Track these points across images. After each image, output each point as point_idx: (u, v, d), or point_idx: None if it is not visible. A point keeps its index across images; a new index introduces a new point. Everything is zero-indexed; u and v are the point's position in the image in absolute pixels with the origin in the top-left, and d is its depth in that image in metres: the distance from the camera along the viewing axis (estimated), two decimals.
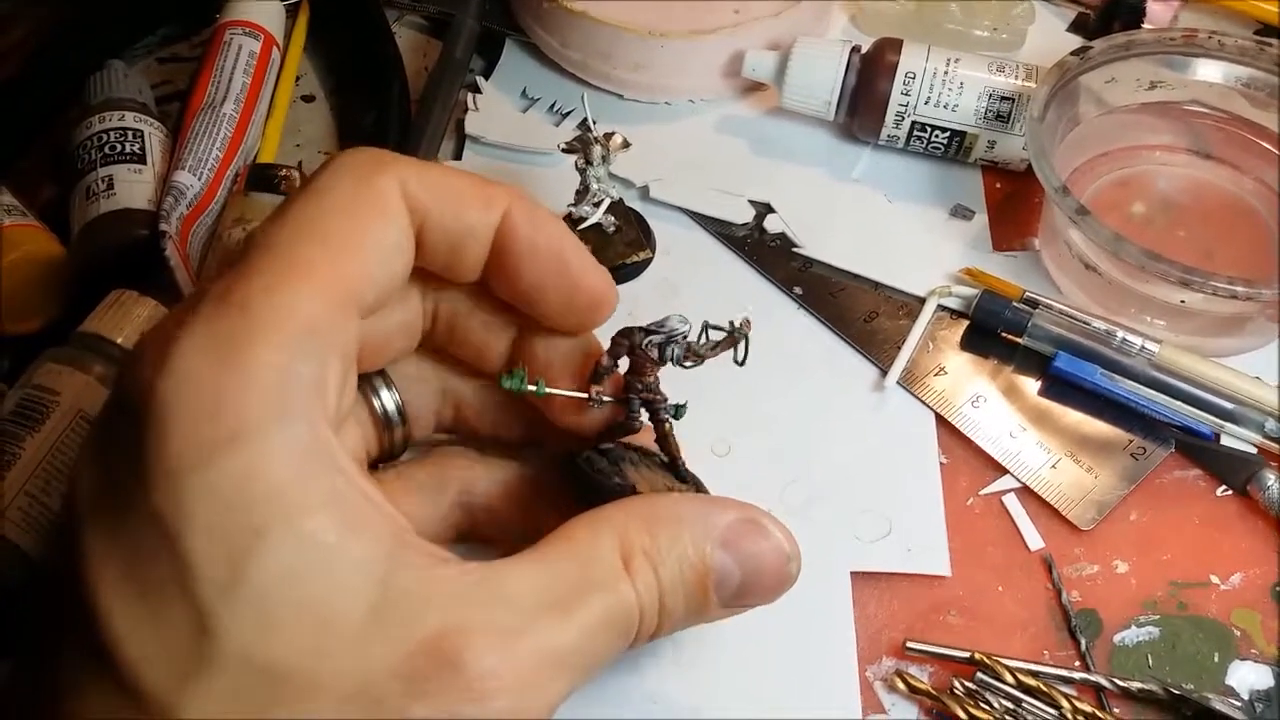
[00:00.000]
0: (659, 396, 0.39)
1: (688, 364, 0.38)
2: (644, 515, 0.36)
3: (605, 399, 0.39)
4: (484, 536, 0.44)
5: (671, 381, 0.39)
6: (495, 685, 0.30)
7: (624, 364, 0.39)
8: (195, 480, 0.29)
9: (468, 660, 0.30)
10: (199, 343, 0.31)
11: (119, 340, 0.50)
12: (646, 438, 0.41)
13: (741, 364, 0.38)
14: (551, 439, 0.43)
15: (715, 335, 0.38)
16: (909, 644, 0.45)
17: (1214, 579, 0.48)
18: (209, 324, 0.31)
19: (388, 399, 0.41)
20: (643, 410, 0.39)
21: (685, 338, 0.38)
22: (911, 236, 0.59)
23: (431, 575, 0.31)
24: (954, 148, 0.60)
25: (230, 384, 0.30)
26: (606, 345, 0.40)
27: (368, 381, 0.40)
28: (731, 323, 0.38)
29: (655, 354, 0.38)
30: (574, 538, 0.34)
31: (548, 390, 0.39)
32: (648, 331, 0.38)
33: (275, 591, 0.29)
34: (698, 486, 0.41)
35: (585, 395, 0.39)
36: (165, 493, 0.29)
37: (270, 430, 0.30)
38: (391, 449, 0.42)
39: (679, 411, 0.40)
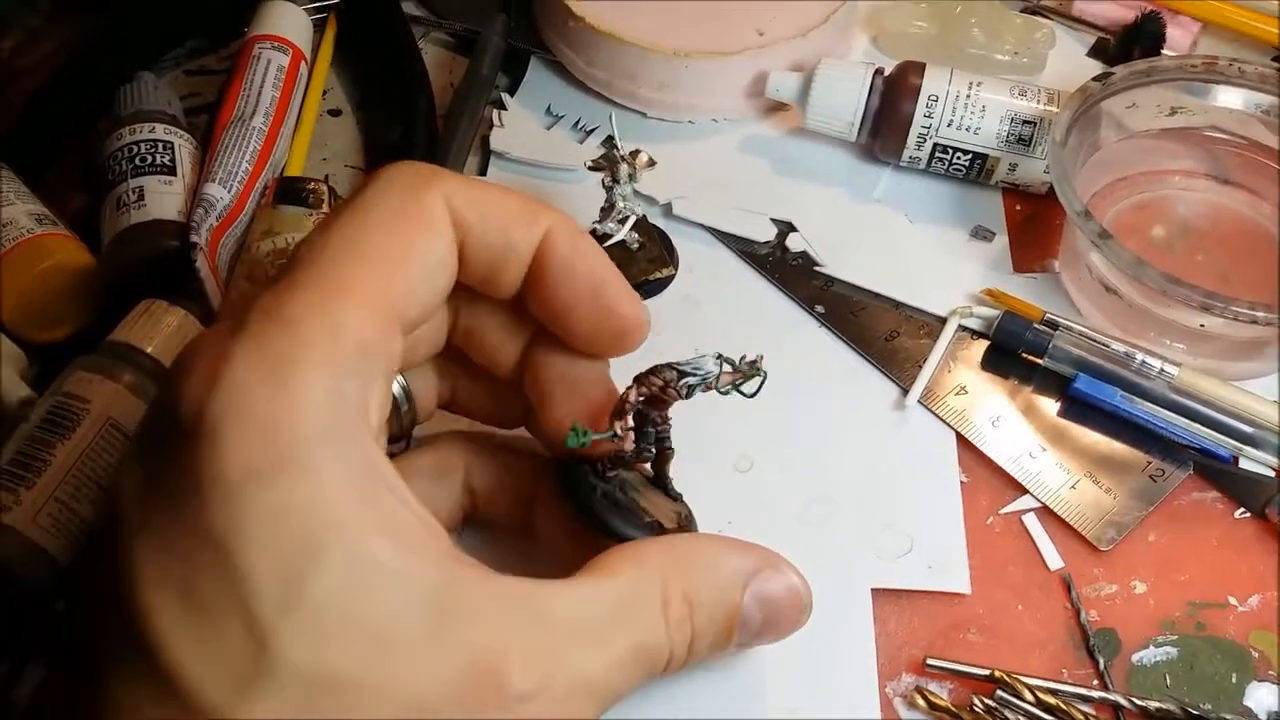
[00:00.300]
0: (668, 427, 0.40)
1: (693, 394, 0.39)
2: (683, 558, 0.37)
3: (627, 433, 0.39)
4: (486, 521, 0.45)
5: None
6: (530, 708, 0.31)
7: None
8: (250, 500, 0.29)
9: (509, 680, 0.31)
10: (250, 360, 0.31)
11: (149, 349, 0.51)
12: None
13: (751, 396, 0.39)
14: (541, 435, 0.43)
15: (727, 368, 0.39)
16: (929, 661, 0.45)
17: (1232, 600, 0.48)
18: (258, 341, 0.31)
19: (395, 382, 0.41)
20: (653, 447, 0.40)
21: (717, 379, 0.39)
22: (932, 257, 0.59)
23: (482, 592, 0.32)
24: (975, 170, 0.61)
25: (283, 405, 0.30)
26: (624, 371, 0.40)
27: None
28: (744, 357, 0.39)
29: (685, 393, 0.38)
30: (618, 573, 0.35)
31: (592, 440, 0.39)
32: (681, 374, 0.38)
33: (332, 608, 0.29)
34: (686, 506, 0.43)
35: (612, 433, 0.39)
36: (220, 511, 0.29)
37: (323, 452, 0.30)
38: (400, 431, 0.43)
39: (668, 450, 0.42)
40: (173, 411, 0.31)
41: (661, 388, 0.38)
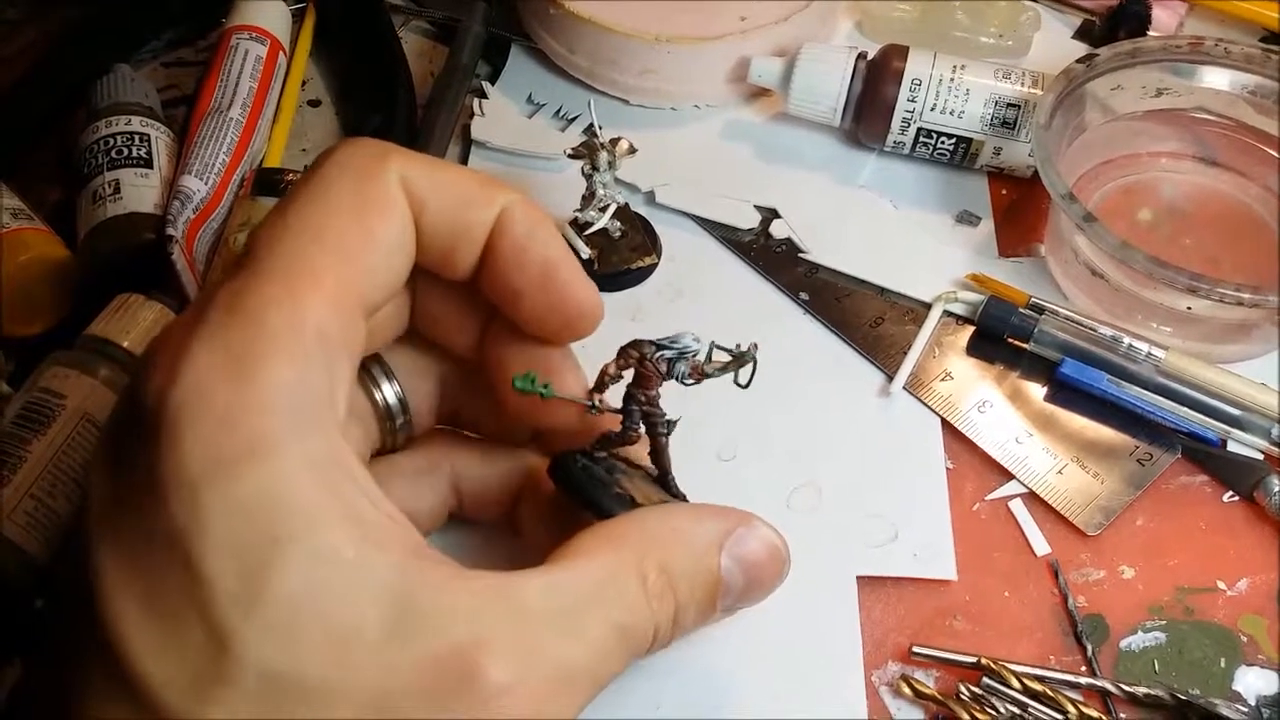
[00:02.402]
0: (658, 410, 0.39)
1: (689, 381, 0.39)
2: (657, 531, 0.36)
3: (607, 408, 0.39)
4: (471, 518, 0.45)
5: (677, 388, 0.39)
6: (510, 701, 0.30)
7: (628, 374, 0.39)
8: (210, 495, 0.29)
9: (485, 674, 0.30)
10: (210, 354, 0.30)
11: (125, 344, 0.50)
12: (642, 453, 0.41)
13: (745, 386, 0.38)
14: (547, 441, 0.43)
15: (721, 356, 0.38)
16: (915, 649, 0.45)
17: (1220, 585, 0.47)
18: (219, 334, 0.31)
19: (389, 391, 0.41)
20: (641, 423, 0.40)
21: (695, 355, 0.38)
22: (917, 242, 0.59)
23: (449, 588, 0.31)
24: (960, 154, 0.60)
25: (244, 398, 0.30)
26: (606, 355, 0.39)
27: (368, 374, 0.40)
28: (739, 345, 0.38)
29: (664, 368, 0.38)
30: (591, 554, 0.35)
31: (555, 394, 0.39)
32: (659, 346, 0.38)
33: (293, 606, 0.29)
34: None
35: (589, 402, 0.40)
36: (180, 507, 0.29)
37: (286, 445, 0.30)
38: (394, 443, 0.42)
39: (671, 427, 0.40)
40: (136, 406, 0.31)
41: (639, 360, 0.38)
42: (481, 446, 0.44)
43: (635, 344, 0.38)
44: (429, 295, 0.40)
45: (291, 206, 0.34)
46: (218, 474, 0.29)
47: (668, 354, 0.38)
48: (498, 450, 0.44)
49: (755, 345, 0.38)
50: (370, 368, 0.40)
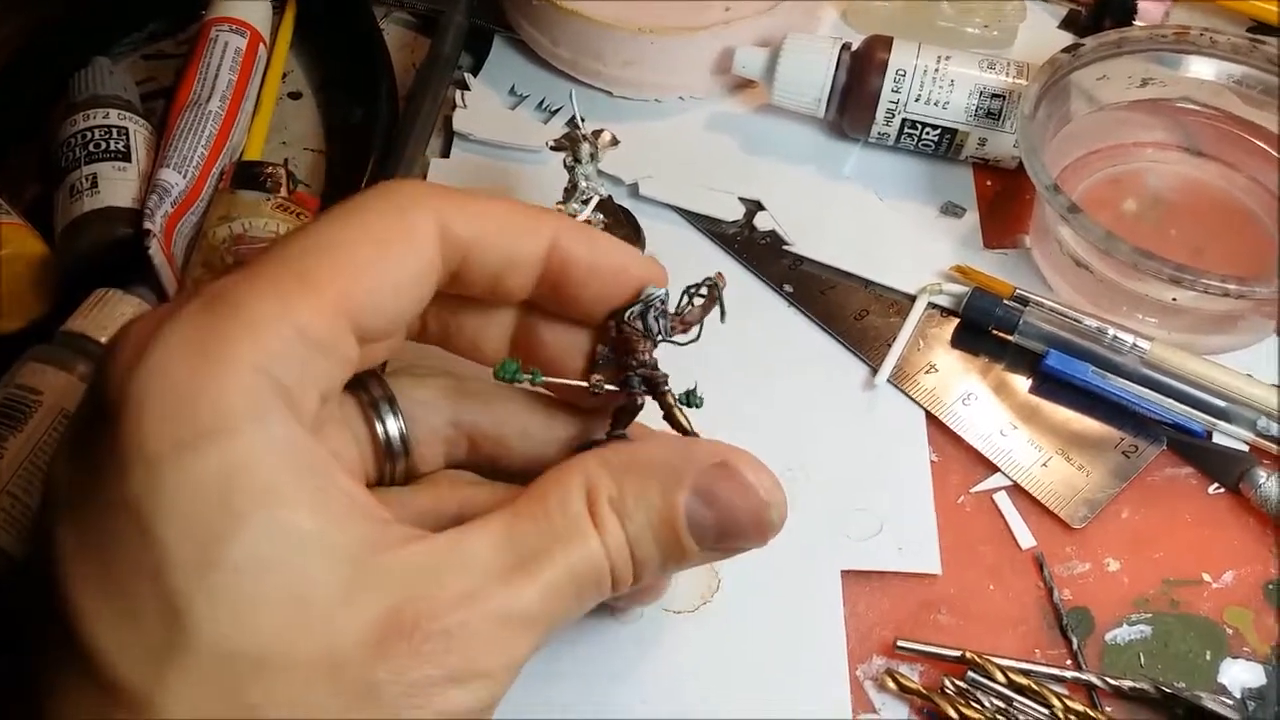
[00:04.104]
0: (657, 373, 0.39)
1: (679, 335, 0.39)
2: (613, 464, 0.35)
3: (605, 386, 0.38)
4: None
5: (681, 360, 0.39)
6: (450, 645, 0.30)
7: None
8: (170, 470, 0.29)
9: (424, 625, 0.30)
10: (180, 338, 0.30)
11: (103, 339, 0.50)
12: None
13: (722, 320, 0.39)
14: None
15: (697, 301, 0.39)
16: (900, 643, 0.45)
17: (1206, 577, 0.47)
18: (193, 320, 0.31)
19: (392, 426, 0.39)
20: (643, 388, 0.39)
21: (664, 303, 0.38)
22: (902, 234, 0.58)
23: (403, 550, 0.31)
24: (945, 145, 0.60)
25: (207, 378, 0.30)
26: None
27: (373, 406, 0.39)
28: (707, 279, 0.39)
29: (640, 325, 0.38)
30: (542, 494, 0.34)
31: (544, 379, 0.38)
32: (627, 307, 0.38)
33: (248, 577, 0.29)
34: None
35: (584, 384, 0.39)
36: (139, 482, 0.29)
37: (247, 427, 0.30)
38: (392, 479, 0.40)
39: (692, 398, 0.40)
40: (100, 391, 0.31)
41: (616, 326, 0.38)
42: (492, 493, 0.41)
43: (609, 314, 0.39)
44: (448, 315, 0.40)
45: (313, 225, 0.34)
46: (177, 449, 0.29)
47: (635, 308, 0.38)
48: (511, 489, 0.40)
49: (721, 275, 0.39)
50: (376, 401, 0.39)
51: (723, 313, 0.40)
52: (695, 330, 0.40)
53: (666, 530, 0.35)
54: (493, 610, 0.31)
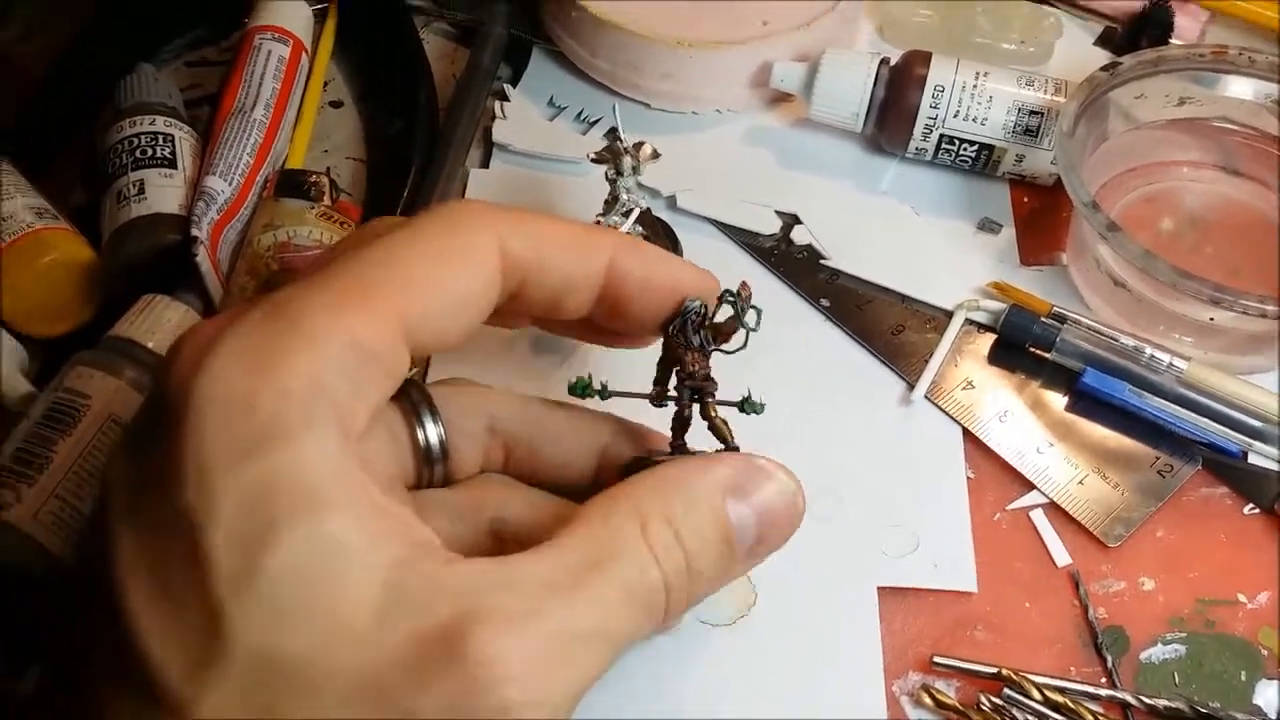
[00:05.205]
0: (707, 384, 0.40)
1: (724, 345, 0.39)
2: (657, 484, 0.36)
3: (667, 399, 0.40)
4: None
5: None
6: (503, 672, 0.29)
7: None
8: (222, 478, 0.29)
9: (472, 647, 0.29)
10: (241, 346, 0.31)
11: (150, 345, 0.50)
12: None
13: (755, 328, 0.39)
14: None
15: (726, 311, 0.39)
16: (936, 659, 0.45)
17: (1241, 597, 0.47)
18: (255, 329, 0.31)
19: (432, 432, 0.39)
20: (692, 401, 0.40)
21: (699, 315, 0.39)
22: (939, 249, 0.59)
23: (444, 571, 0.31)
24: (982, 161, 0.60)
25: (262, 386, 0.30)
26: None
27: (414, 410, 0.39)
28: (727, 290, 0.40)
29: (682, 339, 0.39)
30: (590, 518, 0.34)
31: (613, 393, 0.40)
32: (670, 320, 0.39)
33: (286, 588, 0.29)
34: None
35: (646, 395, 0.40)
36: (194, 489, 0.29)
37: (297, 438, 0.30)
38: (430, 482, 0.41)
39: (747, 405, 0.41)
40: (159, 397, 0.31)
41: (665, 344, 0.40)
42: (528, 495, 0.41)
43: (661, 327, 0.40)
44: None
45: (375, 240, 0.34)
46: (231, 457, 0.29)
47: (675, 323, 0.39)
48: (545, 501, 0.41)
49: (744, 284, 0.40)
50: (418, 406, 0.40)
51: (743, 320, 0.39)
52: (738, 339, 0.40)
53: (720, 538, 0.35)
54: (547, 632, 0.30)
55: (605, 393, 0.40)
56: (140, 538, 0.30)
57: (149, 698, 0.29)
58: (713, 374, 0.40)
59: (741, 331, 0.40)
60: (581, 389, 0.40)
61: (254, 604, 0.29)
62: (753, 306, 0.39)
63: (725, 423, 0.40)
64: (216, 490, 0.29)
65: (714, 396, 0.40)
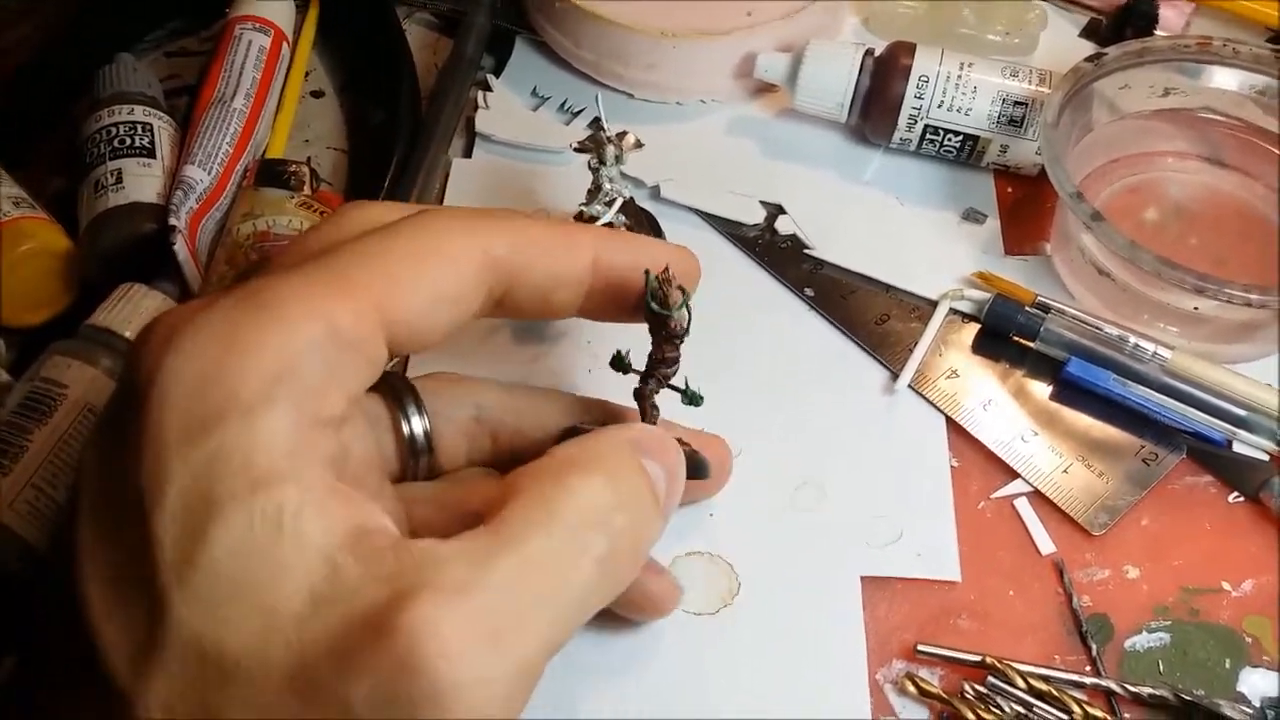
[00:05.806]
0: (659, 368, 0.41)
1: (671, 328, 0.40)
2: (574, 449, 0.35)
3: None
4: None
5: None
6: (436, 649, 0.27)
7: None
8: (174, 457, 0.29)
9: (402, 626, 0.27)
10: (213, 328, 0.30)
11: (127, 334, 0.50)
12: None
13: (679, 308, 0.40)
14: None
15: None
16: (920, 647, 0.45)
17: (1225, 585, 0.47)
18: (226, 313, 0.31)
19: (417, 424, 0.39)
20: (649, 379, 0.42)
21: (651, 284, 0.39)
22: (923, 239, 0.58)
23: (385, 554, 0.29)
24: (966, 152, 0.60)
25: (226, 366, 0.30)
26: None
27: (398, 402, 0.39)
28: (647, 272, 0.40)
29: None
30: (517, 487, 0.33)
31: (631, 369, 0.43)
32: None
33: (223, 572, 0.28)
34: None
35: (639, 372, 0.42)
36: (147, 470, 0.29)
37: (257, 412, 0.29)
38: (416, 475, 0.40)
39: (689, 394, 0.43)
40: (128, 378, 0.31)
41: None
42: None
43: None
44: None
45: (361, 238, 0.34)
46: (186, 436, 0.29)
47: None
48: None
49: (666, 268, 0.39)
50: (402, 398, 0.39)
51: (654, 305, 0.39)
52: (681, 319, 0.40)
53: (635, 484, 0.35)
54: (484, 607, 0.29)
55: (629, 367, 0.43)
56: (101, 523, 0.30)
57: (101, 684, 0.29)
58: (680, 358, 0.41)
59: (683, 312, 0.40)
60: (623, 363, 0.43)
61: (192, 592, 0.28)
62: (678, 288, 0.39)
63: (655, 406, 0.42)
64: (168, 470, 0.28)
65: (657, 378, 0.41)
